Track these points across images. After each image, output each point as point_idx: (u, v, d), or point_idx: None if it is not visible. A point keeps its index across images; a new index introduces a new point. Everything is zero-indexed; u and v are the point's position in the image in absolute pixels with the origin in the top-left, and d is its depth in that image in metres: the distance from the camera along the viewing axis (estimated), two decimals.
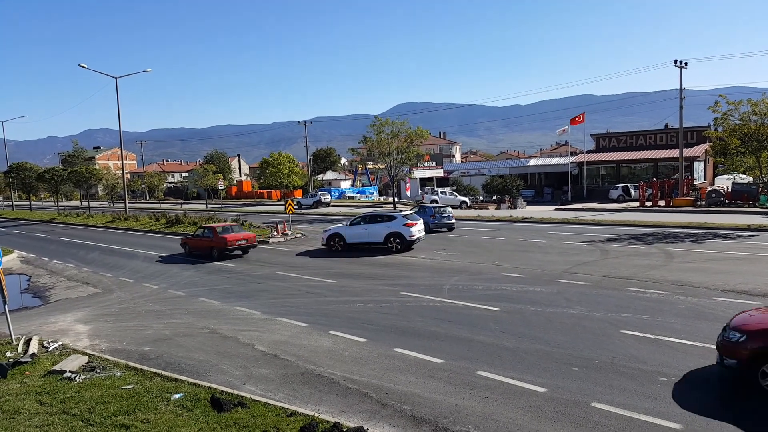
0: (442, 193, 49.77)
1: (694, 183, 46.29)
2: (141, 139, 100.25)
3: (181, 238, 27.65)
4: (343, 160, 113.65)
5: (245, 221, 35.38)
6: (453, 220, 30.25)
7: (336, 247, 24.08)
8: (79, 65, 42.10)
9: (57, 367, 10.12)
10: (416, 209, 31.39)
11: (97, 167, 76.07)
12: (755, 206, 34.91)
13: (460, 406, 8.14)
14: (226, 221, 33.56)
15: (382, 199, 66.03)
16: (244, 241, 24.20)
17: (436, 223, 29.35)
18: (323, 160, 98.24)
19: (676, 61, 39.89)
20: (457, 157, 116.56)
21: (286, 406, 8.19)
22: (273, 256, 24.14)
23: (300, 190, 70.98)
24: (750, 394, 8.03)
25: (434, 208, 30.34)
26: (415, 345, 10.93)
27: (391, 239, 23.11)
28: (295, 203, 41.36)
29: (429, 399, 8.42)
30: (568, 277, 16.66)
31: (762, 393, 7.92)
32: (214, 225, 26.14)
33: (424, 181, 64.71)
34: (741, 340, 8.16)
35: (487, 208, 44.72)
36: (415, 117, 57.53)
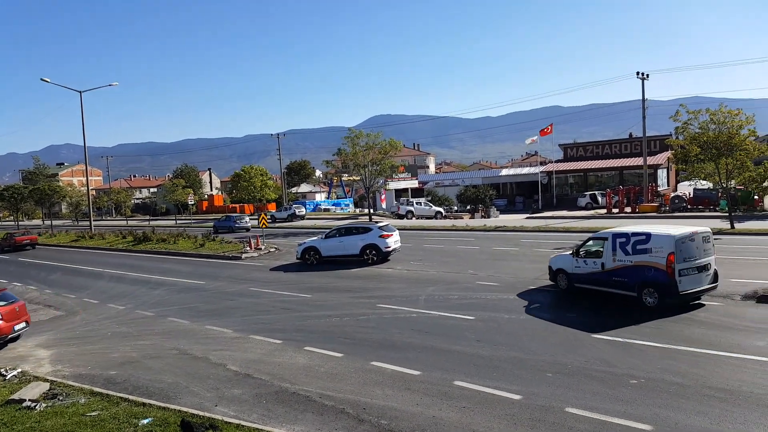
0: (417, 203, 49.95)
1: (658, 189, 47.69)
2: (107, 155, 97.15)
3: None
4: (318, 173, 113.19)
5: (216, 237, 34.81)
6: (249, 225, 44.42)
7: (311, 260, 23.85)
8: (42, 79, 41.05)
9: (15, 396, 9.68)
10: (223, 218, 47.94)
11: (60, 184, 73.86)
12: (716, 210, 36.21)
13: (437, 417, 8.09)
14: (196, 237, 34.39)
15: (357, 210, 65.91)
16: (28, 241, 40.61)
17: (236, 227, 44.11)
18: (297, 172, 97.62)
19: (638, 73, 41.25)
20: (432, 168, 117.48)
21: (260, 426, 8.00)
22: (246, 272, 23.76)
23: (274, 204, 70.17)
24: None
25: (235, 217, 46.41)
26: (392, 357, 10.86)
27: (367, 251, 23.02)
28: (268, 217, 40.97)
29: (407, 412, 8.34)
30: (540, 283, 16.85)
31: None
32: (12, 232, 42.56)
33: (400, 193, 64.96)
34: None
35: (462, 218, 45.10)
36: (390, 129, 57.89)
